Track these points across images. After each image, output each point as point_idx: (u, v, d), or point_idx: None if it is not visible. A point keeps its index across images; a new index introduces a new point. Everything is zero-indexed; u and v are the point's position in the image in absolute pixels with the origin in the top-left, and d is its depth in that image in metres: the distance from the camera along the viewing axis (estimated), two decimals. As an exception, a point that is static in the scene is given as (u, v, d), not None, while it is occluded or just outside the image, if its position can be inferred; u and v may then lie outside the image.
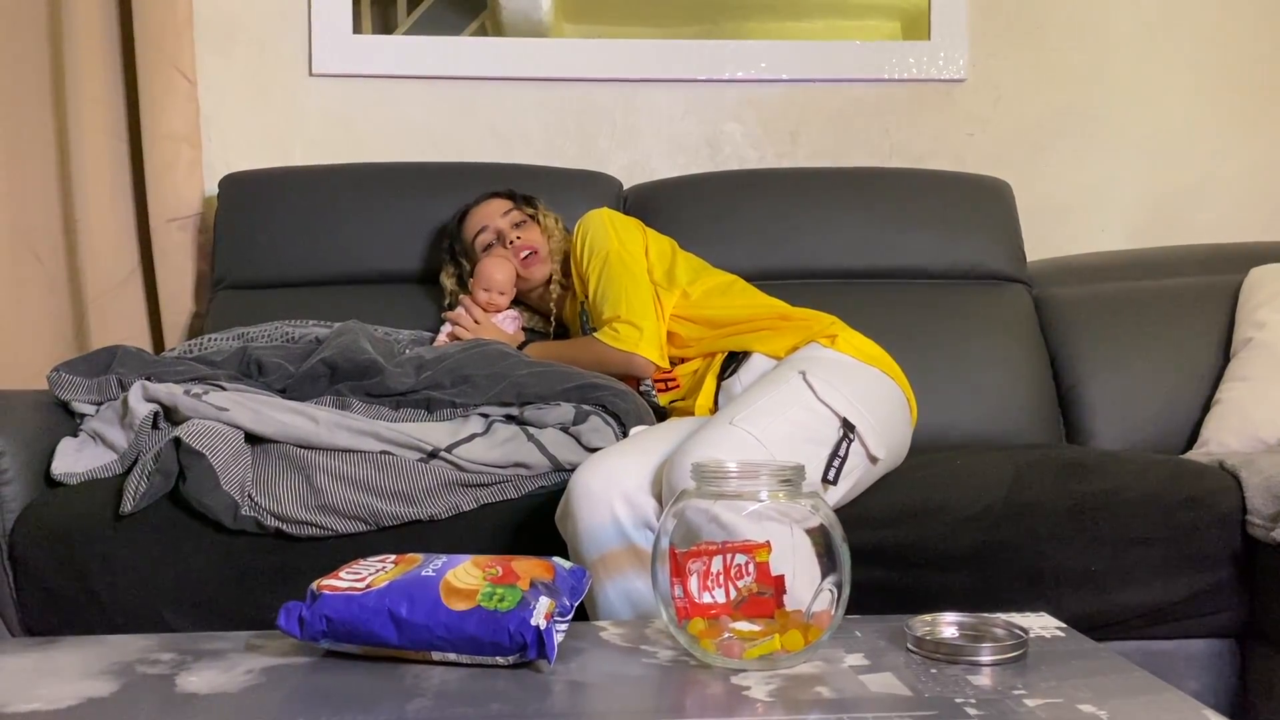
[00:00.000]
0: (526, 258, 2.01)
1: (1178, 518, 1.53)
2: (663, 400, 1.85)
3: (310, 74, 2.50)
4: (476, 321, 1.98)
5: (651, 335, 1.80)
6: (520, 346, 1.95)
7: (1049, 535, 1.51)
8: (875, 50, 2.54)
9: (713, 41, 2.52)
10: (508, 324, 2.02)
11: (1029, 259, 2.40)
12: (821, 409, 1.48)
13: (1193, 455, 1.87)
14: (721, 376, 1.74)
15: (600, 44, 2.51)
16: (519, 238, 2.02)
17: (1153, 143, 2.59)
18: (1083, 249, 2.50)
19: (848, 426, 1.47)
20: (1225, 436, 1.91)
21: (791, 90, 2.54)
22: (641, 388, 1.84)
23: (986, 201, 2.36)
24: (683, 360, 1.83)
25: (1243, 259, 2.21)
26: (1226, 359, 2.06)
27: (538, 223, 2.07)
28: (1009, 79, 2.57)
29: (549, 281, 2.04)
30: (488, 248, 2.04)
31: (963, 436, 2.03)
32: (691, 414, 1.75)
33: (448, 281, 2.10)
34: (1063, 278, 2.35)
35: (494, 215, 2.06)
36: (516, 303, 2.09)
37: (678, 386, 1.83)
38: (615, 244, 1.88)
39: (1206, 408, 2.01)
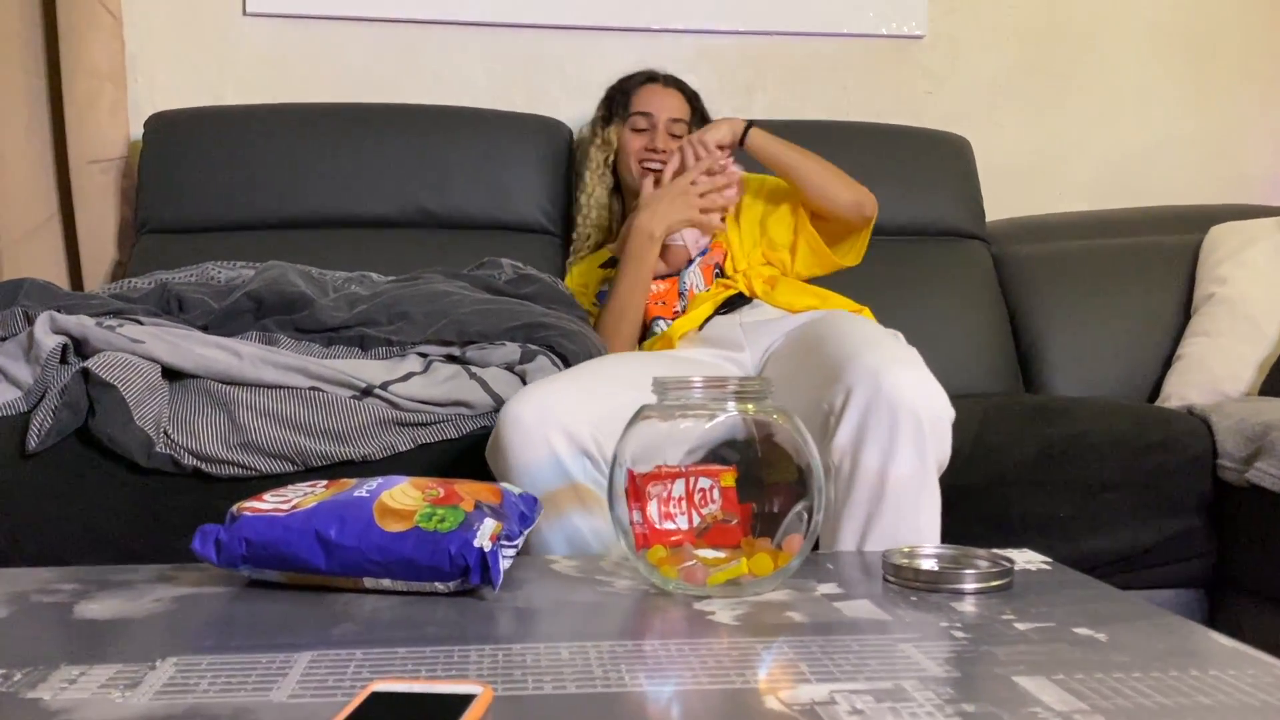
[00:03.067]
0: (652, 168, 1.89)
1: (1147, 462, 1.48)
2: (672, 321, 1.75)
3: (245, 13, 2.36)
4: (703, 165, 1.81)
5: None
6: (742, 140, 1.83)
7: (1016, 480, 1.45)
8: (833, 4, 2.47)
9: (667, -11, 2.43)
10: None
11: (988, 218, 2.35)
12: None
13: (1157, 408, 1.83)
14: (720, 311, 1.67)
15: (551, -12, 2.41)
16: (663, 151, 1.90)
17: (1111, 104, 2.55)
18: (1041, 210, 2.45)
19: None
20: (1187, 391, 1.87)
21: (746, 42, 2.46)
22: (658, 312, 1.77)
23: (946, 157, 2.31)
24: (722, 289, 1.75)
25: (1201, 219, 2.18)
26: (1187, 316, 2.02)
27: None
28: (967, 36, 2.52)
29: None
30: (638, 131, 1.94)
31: (922, 391, 1.96)
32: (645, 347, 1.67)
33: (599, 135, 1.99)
34: (1022, 236, 2.31)
35: (666, 109, 1.95)
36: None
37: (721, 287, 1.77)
38: None
39: (1168, 363, 1.97)
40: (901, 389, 1.21)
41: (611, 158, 1.98)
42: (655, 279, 1.78)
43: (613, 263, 1.90)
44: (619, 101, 1.99)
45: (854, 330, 1.40)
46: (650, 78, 2.01)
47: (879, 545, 1.21)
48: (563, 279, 2.05)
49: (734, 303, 1.71)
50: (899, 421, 1.21)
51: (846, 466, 1.23)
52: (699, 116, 2.02)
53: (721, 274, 1.80)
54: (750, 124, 1.84)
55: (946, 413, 1.25)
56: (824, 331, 1.46)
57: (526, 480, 1.25)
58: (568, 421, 1.25)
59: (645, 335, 1.78)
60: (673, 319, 1.75)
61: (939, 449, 1.24)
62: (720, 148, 1.82)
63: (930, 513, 1.25)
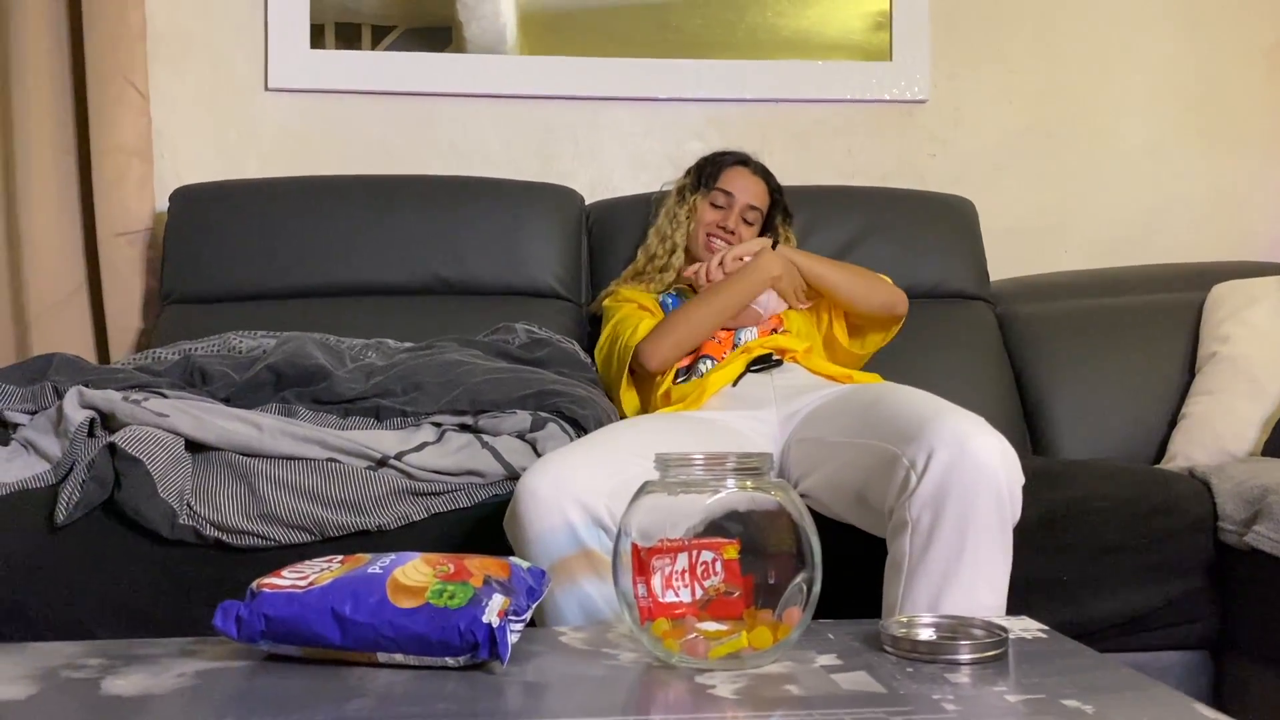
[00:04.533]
0: (716, 244, 2.00)
1: (1149, 525, 1.50)
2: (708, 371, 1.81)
3: (266, 88, 2.44)
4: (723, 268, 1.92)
5: None
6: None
7: (1019, 544, 1.45)
8: (838, 71, 2.53)
9: (676, 61, 2.50)
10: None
11: (991, 278, 2.38)
12: None
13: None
14: (754, 369, 1.74)
15: (562, 61, 2.48)
16: (734, 233, 2.01)
17: (1114, 164, 2.59)
18: (1044, 269, 2.48)
19: None
20: (1193, 450, 1.88)
21: (754, 110, 2.52)
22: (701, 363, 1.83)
23: (950, 219, 2.35)
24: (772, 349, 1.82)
25: (1204, 278, 2.21)
26: (1191, 374, 2.04)
27: (760, 233, 2.07)
28: (970, 100, 2.57)
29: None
30: (715, 207, 2.04)
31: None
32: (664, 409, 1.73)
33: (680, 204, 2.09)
34: (1026, 296, 2.34)
35: (747, 194, 2.05)
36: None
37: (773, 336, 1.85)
38: None
39: (1173, 423, 1.98)
40: (986, 452, 1.27)
41: (693, 224, 2.07)
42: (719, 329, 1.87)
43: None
44: (707, 174, 2.09)
45: (926, 395, 1.47)
46: (742, 160, 2.12)
47: (956, 601, 1.25)
48: (585, 326, 2.17)
49: (765, 364, 1.76)
50: (980, 483, 1.26)
51: (926, 520, 1.27)
52: (780, 210, 2.13)
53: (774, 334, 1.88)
54: (775, 240, 1.97)
55: (1021, 478, 1.31)
56: (884, 394, 1.52)
57: (542, 550, 1.29)
58: (582, 494, 1.29)
59: (690, 369, 1.83)
60: (717, 360, 1.82)
61: (1014, 512, 1.30)
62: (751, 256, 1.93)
63: (1004, 576, 1.30)
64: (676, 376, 1.83)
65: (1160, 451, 1.97)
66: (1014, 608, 1.42)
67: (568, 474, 1.30)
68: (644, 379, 1.85)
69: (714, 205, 2.05)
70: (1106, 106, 2.60)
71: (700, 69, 2.50)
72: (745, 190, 2.06)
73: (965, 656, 0.96)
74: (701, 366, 1.82)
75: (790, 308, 1.94)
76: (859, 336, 1.99)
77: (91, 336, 2.34)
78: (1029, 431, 2.12)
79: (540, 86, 2.48)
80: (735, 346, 1.85)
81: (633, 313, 1.95)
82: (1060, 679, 0.90)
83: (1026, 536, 1.46)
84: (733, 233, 2.02)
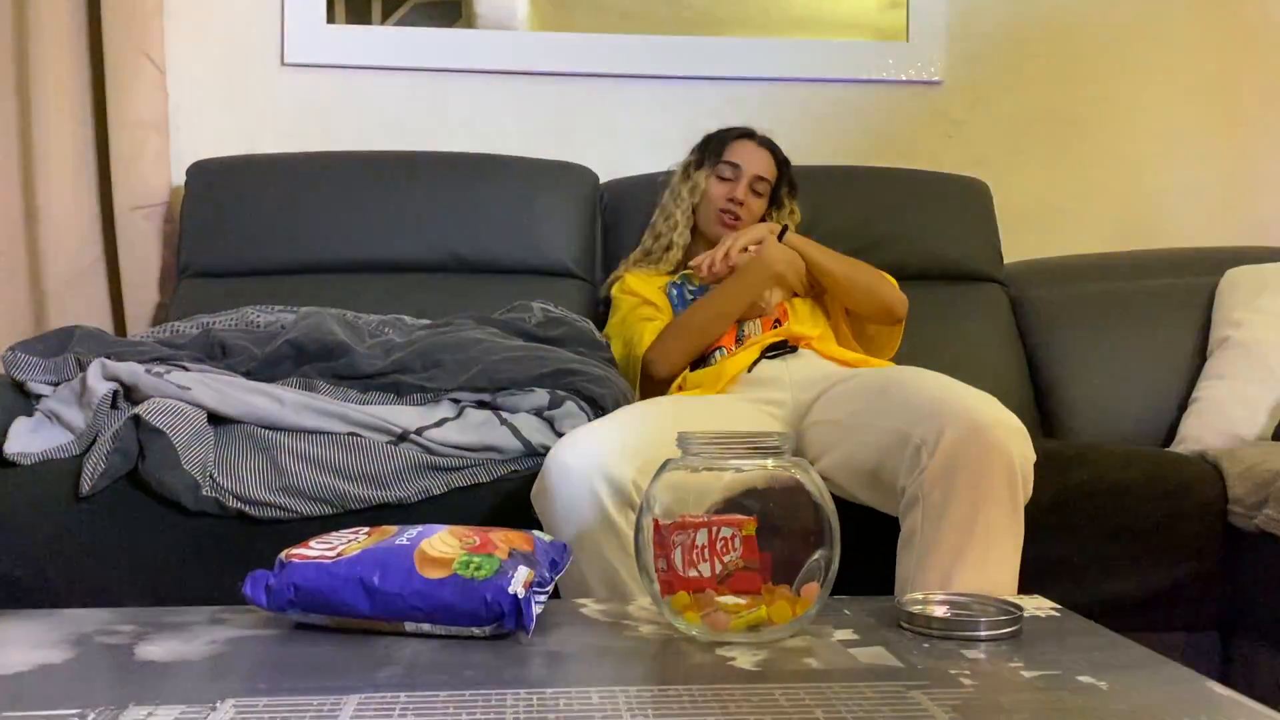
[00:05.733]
0: (731, 219, 2.02)
1: (1160, 507, 1.52)
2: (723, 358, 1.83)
3: (282, 64, 2.46)
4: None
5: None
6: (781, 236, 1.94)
7: (1029, 525, 1.48)
8: (854, 51, 2.54)
9: (692, 38, 2.50)
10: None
11: (1005, 260, 2.39)
12: None
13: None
14: (769, 354, 1.76)
15: (578, 38, 2.49)
16: (743, 204, 2.02)
17: (1129, 147, 2.60)
18: (1058, 252, 2.49)
19: None
20: (1204, 434, 1.90)
21: (770, 89, 2.53)
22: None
23: (965, 201, 2.36)
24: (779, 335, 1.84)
25: (1218, 262, 2.22)
26: (1203, 358, 2.05)
27: (767, 207, 2.09)
28: (986, 81, 2.57)
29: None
30: (723, 180, 2.05)
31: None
32: (685, 390, 1.75)
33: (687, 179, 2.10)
34: (1039, 278, 2.35)
35: (755, 165, 2.06)
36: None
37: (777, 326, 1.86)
38: None
39: (1184, 406, 2.00)
40: (998, 429, 1.29)
41: (698, 199, 2.07)
42: None
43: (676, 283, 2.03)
44: (712, 149, 2.10)
45: (939, 376, 1.49)
46: (747, 134, 2.12)
47: (967, 578, 1.26)
48: (599, 305, 2.18)
49: (780, 350, 1.78)
50: (992, 460, 1.28)
51: (937, 497, 1.29)
52: (786, 183, 2.14)
53: (778, 327, 1.88)
54: (785, 228, 1.97)
55: (1032, 456, 1.33)
56: (897, 377, 1.54)
57: (569, 522, 1.32)
58: (611, 469, 1.32)
59: (703, 358, 1.86)
60: (728, 349, 1.84)
61: (1026, 490, 1.31)
62: (757, 245, 1.93)
63: (1016, 553, 1.31)
64: (691, 365, 1.85)
65: (1171, 435, 1.99)
66: (1026, 588, 1.44)
67: (597, 449, 1.33)
68: (654, 385, 1.87)
69: (721, 178, 2.05)
70: (1123, 89, 2.60)
71: (715, 47, 2.50)
72: (753, 162, 2.07)
73: (981, 633, 0.98)
74: (713, 357, 1.84)
75: (794, 295, 1.95)
76: (860, 335, 2.00)
77: (109, 310, 2.36)
78: (1041, 414, 2.14)
79: (554, 63, 2.49)
80: (740, 337, 1.86)
81: (635, 310, 1.96)
82: (1074, 656, 0.92)
83: (1038, 517, 1.48)
84: (742, 204, 2.02)
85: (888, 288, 1.94)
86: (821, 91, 2.54)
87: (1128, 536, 1.50)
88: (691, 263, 1.97)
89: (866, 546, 1.33)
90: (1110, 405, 2.07)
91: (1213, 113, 2.61)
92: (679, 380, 1.83)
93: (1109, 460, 1.59)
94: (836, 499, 1.37)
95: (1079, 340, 2.16)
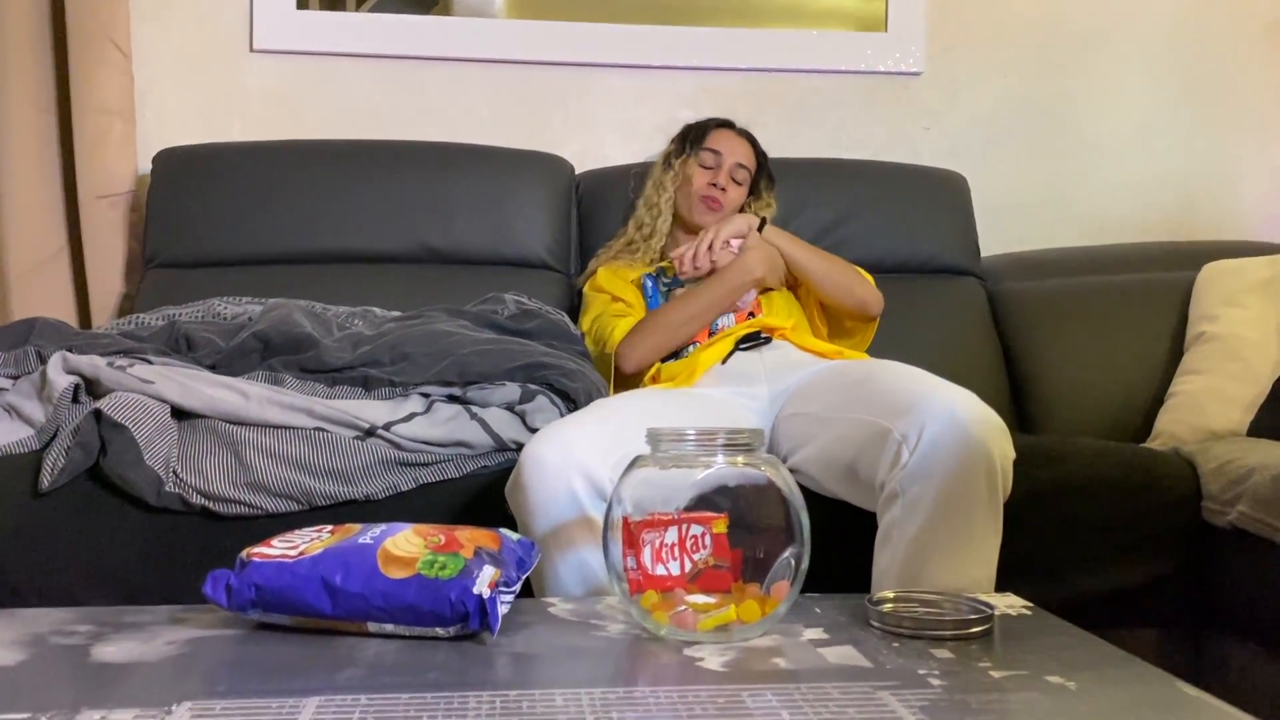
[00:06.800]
0: (713, 204, 2.03)
1: (1134, 504, 1.52)
2: (695, 352, 1.82)
3: (251, 50, 2.43)
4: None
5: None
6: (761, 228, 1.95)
7: (1006, 522, 1.49)
8: (832, 41, 2.53)
9: (669, 28, 2.49)
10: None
11: (982, 254, 2.40)
12: None
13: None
14: (743, 347, 1.76)
15: (553, 26, 2.47)
16: (725, 190, 2.04)
17: (1108, 140, 2.61)
18: (1036, 246, 2.50)
19: None
20: (1178, 429, 1.91)
21: (747, 80, 2.52)
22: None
23: (942, 194, 2.36)
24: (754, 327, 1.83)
25: (1195, 257, 2.22)
26: (1180, 354, 2.06)
27: (747, 195, 2.11)
28: (965, 73, 2.58)
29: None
30: (705, 168, 2.07)
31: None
32: (656, 381, 1.75)
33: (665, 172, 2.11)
34: (1016, 273, 2.36)
35: (735, 153, 2.08)
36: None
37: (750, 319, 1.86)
38: None
39: (1159, 401, 2.01)
40: (978, 426, 1.30)
41: (679, 187, 2.09)
42: None
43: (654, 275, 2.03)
44: (693, 138, 2.13)
45: (917, 370, 1.49)
46: (726, 124, 2.16)
47: (945, 575, 1.27)
48: (574, 297, 2.17)
49: (755, 341, 1.78)
50: (971, 457, 1.28)
51: (916, 493, 1.29)
52: (764, 174, 2.16)
53: (752, 318, 1.88)
54: (763, 221, 1.97)
55: (1012, 453, 1.33)
56: (875, 370, 1.54)
57: (544, 517, 1.31)
58: (587, 463, 1.31)
59: (676, 354, 1.86)
60: (700, 341, 1.84)
61: (1005, 487, 1.32)
62: (738, 238, 1.93)
63: (994, 551, 1.32)
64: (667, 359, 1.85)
65: (1147, 430, 2.00)
66: (999, 584, 1.45)
67: (573, 443, 1.33)
68: (626, 380, 1.87)
69: (703, 166, 2.07)
70: (1100, 83, 2.61)
71: (692, 36, 2.49)
72: (733, 150, 2.09)
73: (950, 632, 0.98)
74: (687, 348, 1.84)
75: (770, 289, 1.95)
76: (836, 328, 2.01)
77: (73, 300, 2.33)
78: (1016, 409, 2.15)
79: (530, 51, 2.47)
80: (713, 330, 1.86)
81: (608, 307, 1.96)
82: (1044, 655, 0.92)
83: (1012, 514, 1.48)
84: (724, 190, 2.04)
85: (864, 285, 1.94)
86: (799, 82, 2.53)
87: (1101, 533, 1.51)
88: (671, 254, 1.97)
89: (842, 542, 1.34)
90: (1086, 400, 2.08)
91: (1193, 106, 2.63)
92: (652, 371, 1.83)
93: (1083, 456, 1.59)
94: (811, 494, 1.39)
95: (1055, 335, 2.17)
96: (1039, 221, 2.57)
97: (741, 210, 2.09)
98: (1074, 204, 2.60)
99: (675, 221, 2.10)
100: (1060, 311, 2.21)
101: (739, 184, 2.08)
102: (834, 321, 2.00)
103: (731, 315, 1.88)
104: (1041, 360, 2.15)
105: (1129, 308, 2.18)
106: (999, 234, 2.47)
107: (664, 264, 2.05)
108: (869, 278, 1.96)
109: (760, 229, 1.93)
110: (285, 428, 1.48)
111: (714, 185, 2.05)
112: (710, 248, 1.89)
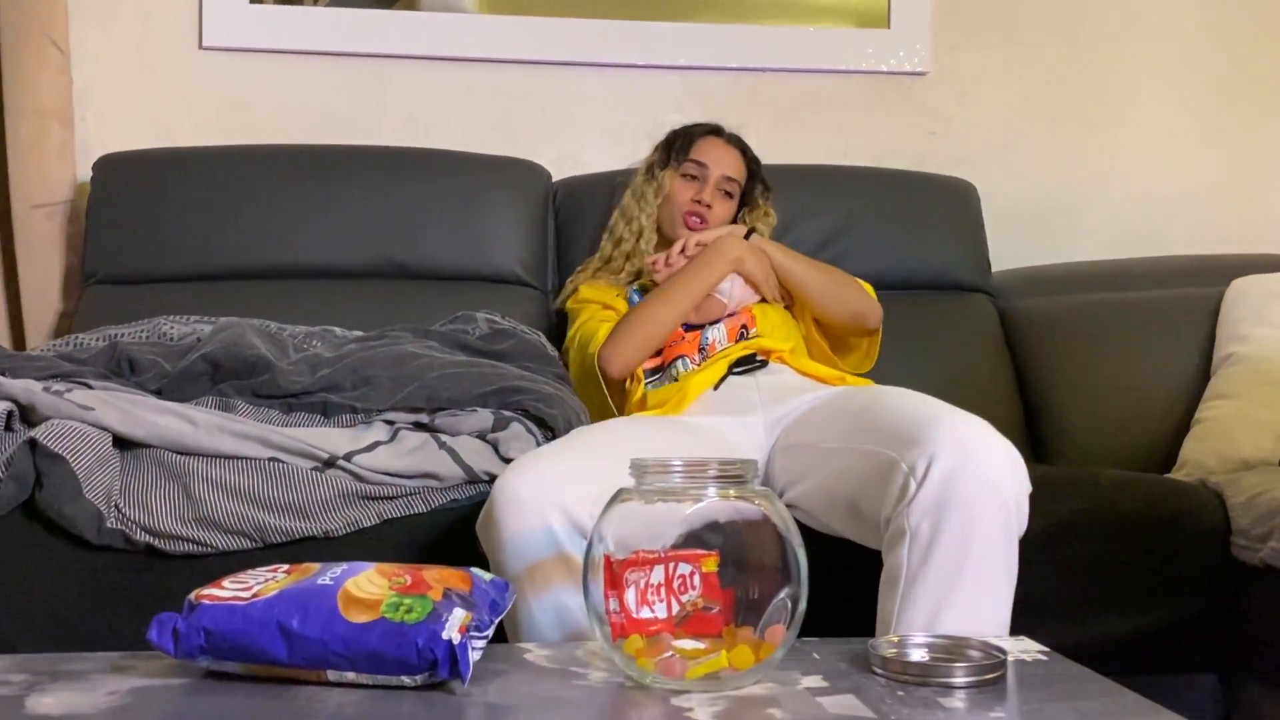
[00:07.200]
0: (696, 222, 2.04)
1: (1159, 540, 1.54)
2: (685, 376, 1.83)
3: (200, 47, 2.44)
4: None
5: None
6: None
7: (1020, 559, 1.50)
8: (830, 38, 2.56)
9: (654, 24, 2.52)
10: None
11: (993, 268, 2.42)
12: None
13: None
14: (736, 371, 1.76)
15: (529, 21, 2.49)
16: (710, 207, 2.04)
17: (1129, 146, 2.64)
18: (1051, 259, 2.52)
19: None
20: (1206, 459, 1.92)
21: (739, 80, 2.55)
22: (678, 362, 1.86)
23: (950, 204, 2.39)
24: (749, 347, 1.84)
25: (1223, 271, 2.25)
26: (1207, 376, 2.08)
27: (736, 210, 2.12)
28: (974, 74, 2.61)
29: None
30: (688, 179, 2.08)
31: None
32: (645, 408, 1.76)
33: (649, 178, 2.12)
34: (1030, 289, 2.38)
35: (721, 165, 2.09)
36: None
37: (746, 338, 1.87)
38: None
39: (1185, 428, 2.03)
40: (992, 458, 1.30)
41: (661, 201, 2.10)
42: (682, 326, 1.89)
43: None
44: (678, 146, 2.13)
45: (925, 397, 1.49)
46: (715, 130, 2.16)
47: (957, 619, 1.27)
48: (552, 315, 2.18)
49: (749, 365, 1.79)
50: (985, 491, 1.29)
51: (926, 530, 1.29)
52: (758, 183, 2.17)
53: (745, 337, 1.88)
54: (751, 230, 1.99)
55: (1028, 487, 1.34)
56: (880, 397, 1.55)
57: (517, 555, 1.31)
58: (565, 498, 1.31)
59: (663, 370, 1.86)
60: (691, 360, 1.85)
61: (1020, 523, 1.32)
62: None
63: (1009, 592, 1.32)
64: (646, 379, 1.85)
65: (1171, 459, 2.01)
66: (1014, 627, 1.46)
67: (550, 475, 1.33)
68: (616, 388, 1.88)
69: (686, 177, 2.08)
70: (1121, 84, 2.64)
71: (679, 33, 2.52)
72: (719, 161, 2.09)
73: (960, 680, 0.99)
74: (675, 369, 1.84)
75: (763, 300, 1.96)
76: (838, 345, 2.02)
77: (5, 319, 2.33)
78: (1031, 436, 2.16)
79: (503, 50, 2.49)
80: (703, 345, 1.87)
81: (595, 315, 1.97)
82: (1061, 705, 0.93)
83: (1027, 550, 1.49)
84: (709, 206, 2.05)
85: (861, 296, 1.96)
86: (795, 83, 2.56)
87: (1123, 571, 1.52)
88: (647, 260, 1.98)
89: (843, 583, 1.34)
90: (1106, 427, 2.10)
91: (1217, 109, 2.66)
92: (638, 394, 1.84)
93: (1103, 488, 1.61)
94: (810, 530, 1.40)
95: (1072, 356, 2.19)
96: (1054, 233, 2.59)
97: (734, 223, 2.10)
98: (1092, 215, 2.62)
99: (658, 236, 2.10)
100: (1077, 331, 2.23)
101: (727, 197, 2.09)
102: (834, 337, 2.01)
103: (722, 326, 1.89)
104: (1058, 384, 2.17)
105: (1151, 327, 2.20)
106: (1011, 247, 2.49)
107: (643, 282, 2.06)
108: (868, 288, 1.98)
109: (746, 238, 1.94)
110: (237, 458, 1.49)
111: (698, 201, 2.05)
112: (684, 250, 1.91)
